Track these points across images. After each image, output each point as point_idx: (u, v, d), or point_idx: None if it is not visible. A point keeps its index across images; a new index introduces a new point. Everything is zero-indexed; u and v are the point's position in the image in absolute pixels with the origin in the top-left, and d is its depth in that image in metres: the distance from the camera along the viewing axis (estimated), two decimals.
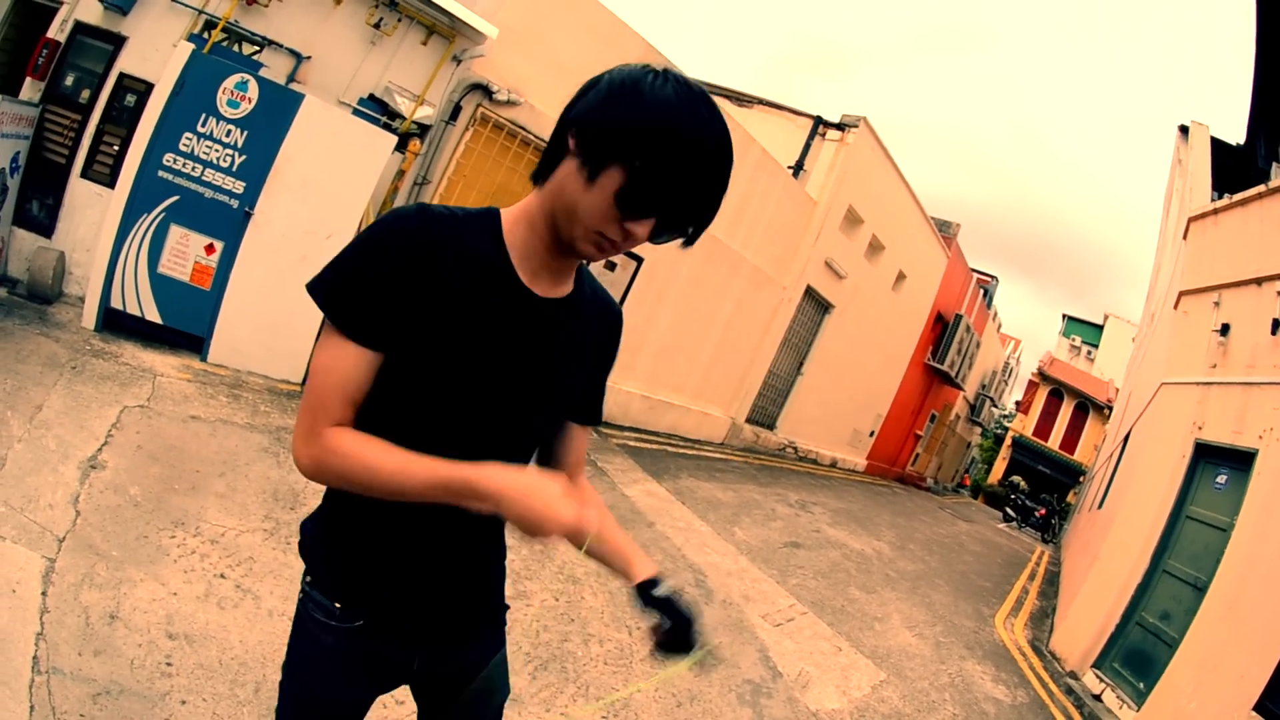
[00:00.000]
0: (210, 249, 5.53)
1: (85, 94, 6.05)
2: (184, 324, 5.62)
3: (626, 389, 9.02)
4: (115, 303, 5.45)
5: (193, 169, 5.41)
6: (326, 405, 1.07)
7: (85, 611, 2.86)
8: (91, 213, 5.97)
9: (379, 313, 1.06)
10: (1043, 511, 20.61)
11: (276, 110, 5.56)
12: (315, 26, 6.45)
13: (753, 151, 9.56)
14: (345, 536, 1.29)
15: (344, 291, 1.08)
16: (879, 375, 15.74)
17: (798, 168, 11.59)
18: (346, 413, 1.08)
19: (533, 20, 7.37)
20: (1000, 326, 25.99)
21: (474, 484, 1.01)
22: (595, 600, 4.23)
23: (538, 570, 4.33)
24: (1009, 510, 22.52)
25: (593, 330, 1.32)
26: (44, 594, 2.86)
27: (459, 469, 1.02)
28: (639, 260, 8.73)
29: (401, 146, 6.69)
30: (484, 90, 7.21)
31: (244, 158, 5.51)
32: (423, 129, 6.92)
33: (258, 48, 6.17)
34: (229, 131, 5.46)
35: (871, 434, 16.65)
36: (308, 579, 1.33)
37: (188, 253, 5.53)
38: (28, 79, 6.14)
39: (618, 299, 8.40)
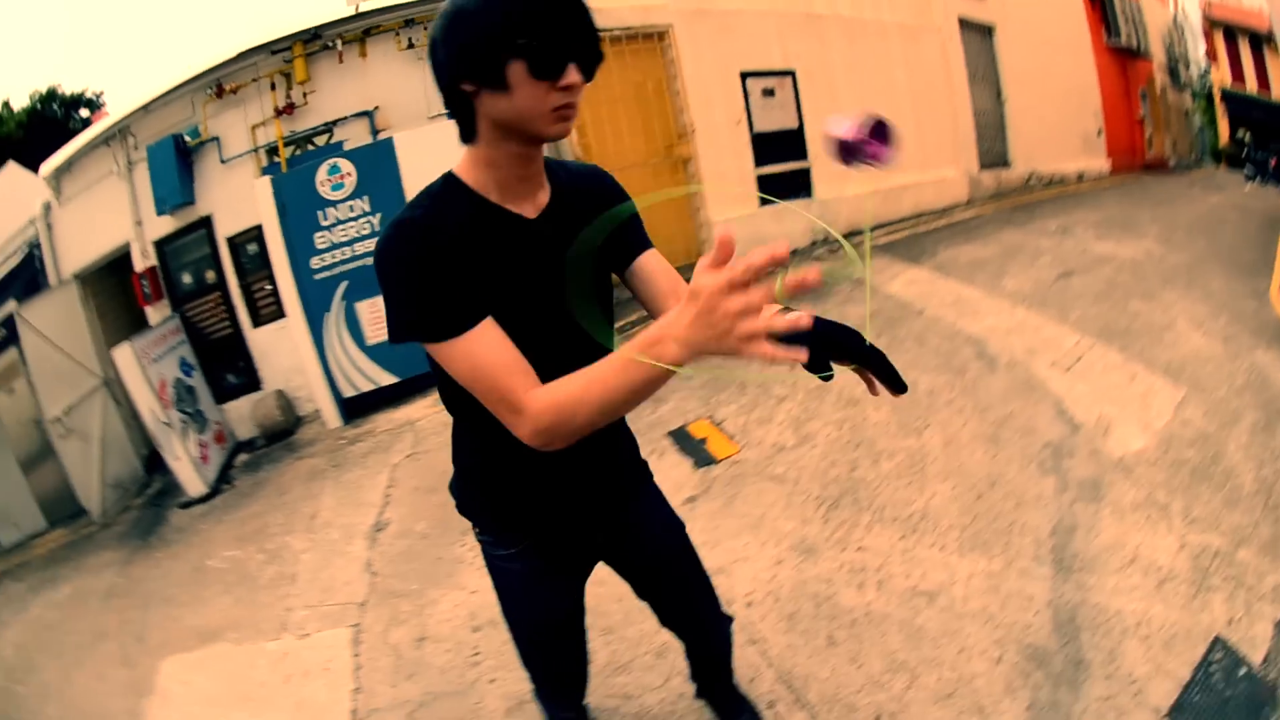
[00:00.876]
0: None
1: (210, 275, 7.28)
2: (418, 368, 6.30)
3: (850, 193, 9.03)
4: (347, 392, 6.35)
5: (341, 253, 6.20)
6: (506, 386, 1.18)
7: (394, 649, 3.35)
8: (282, 346, 6.97)
9: (460, 299, 1.20)
10: (1275, 161, 19.60)
11: (377, 164, 6.24)
12: (360, 84, 7.18)
13: None
14: (491, 482, 1.59)
15: (426, 314, 1.21)
16: (1073, 73, 15.20)
17: None
18: (525, 378, 1.18)
19: None
20: None
21: (670, 347, 0.96)
22: (879, 414, 4.29)
23: (817, 408, 4.51)
24: (1248, 168, 21.17)
25: (587, 206, 1.42)
26: (356, 655, 3.39)
27: (625, 352, 1.05)
28: (791, 74, 8.76)
29: None
30: None
31: (379, 214, 6.25)
32: None
33: (327, 134, 6.92)
34: (351, 207, 6.21)
35: (1099, 132, 16.25)
36: (476, 530, 1.68)
37: (382, 314, 6.69)
38: (146, 309, 7.62)
39: (793, 120, 8.70)
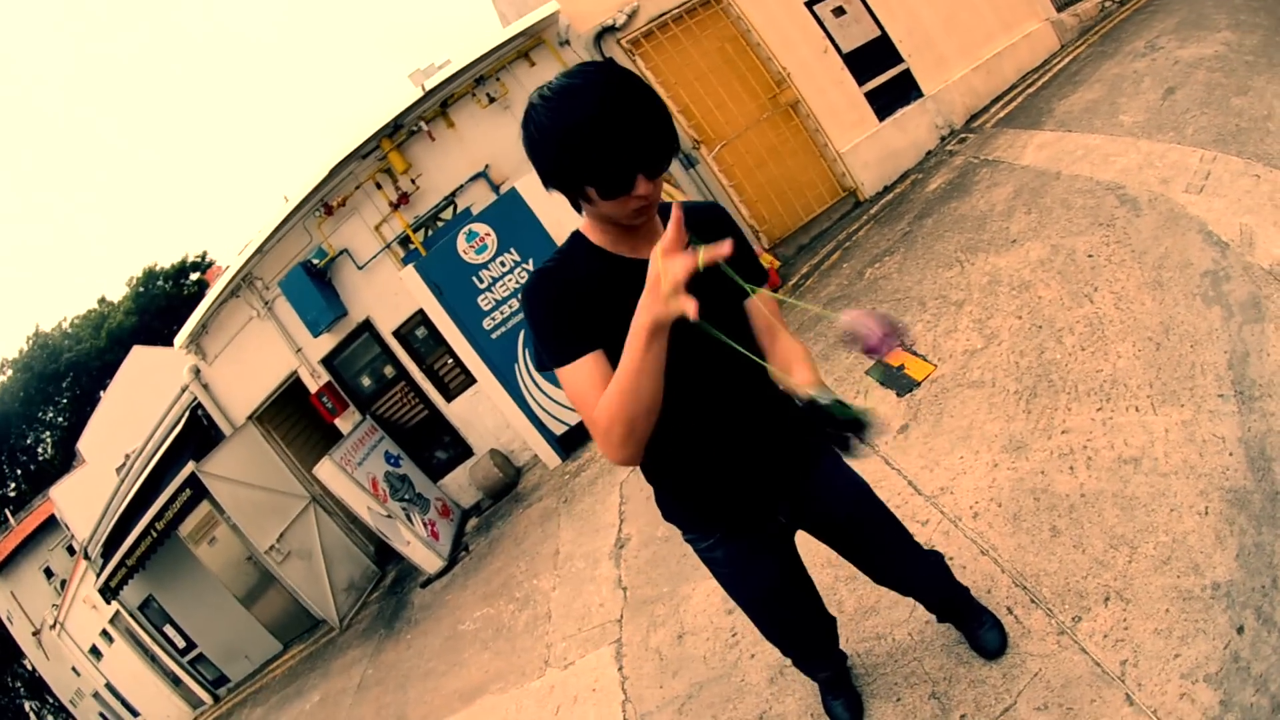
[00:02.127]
0: None
1: (388, 370, 8.55)
2: None
3: (955, 77, 9.50)
4: (557, 430, 7.39)
5: (509, 306, 7.25)
6: (589, 403, 1.67)
7: (656, 651, 3.98)
8: (481, 409, 8.21)
9: (569, 334, 1.69)
10: None
11: (510, 215, 7.24)
12: (461, 151, 8.28)
13: None
14: (673, 485, 2.07)
15: (549, 343, 1.73)
16: None
17: None
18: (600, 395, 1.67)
19: None
20: None
21: (633, 334, 1.52)
22: (1049, 291, 4.73)
23: (993, 303, 5.00)
24: None
25: (702, 238, 1.64)
26: (620, 669, 4.07)
27: (630, 341, 1.54)
28: None
29: None
30: (608, 31, 8.54)
31: (531, 259, 7.23)
32: None
33: (450, 206, 7.98)
34: (501, 263, 7.23)
35: None
36: (682, 533, 2.20)
37: None
38: (335, 422, 8.87)
39: (873, 27, 9.20)
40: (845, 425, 1.67)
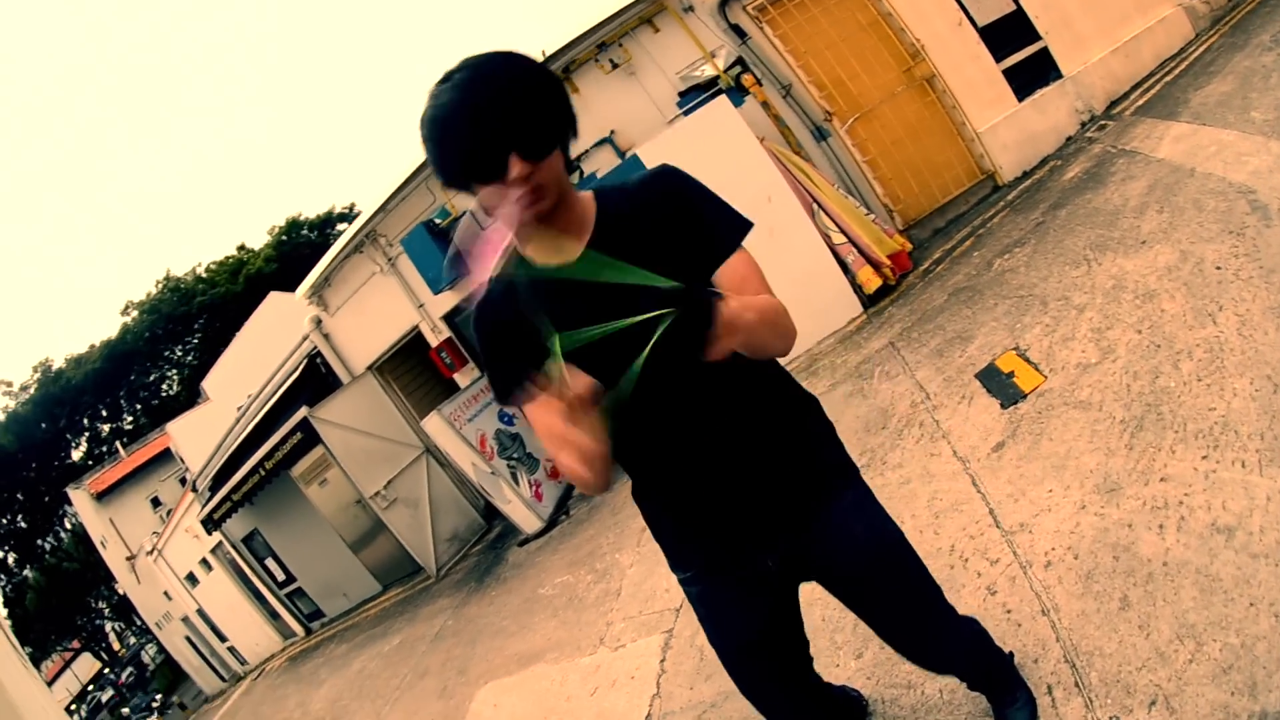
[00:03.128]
0: None
1: None
2: None
3: (1097, 57, 9.33)
4: None
5: None
6: (553, 442, 1.69)
7: (700, 650, 4.16)
8: None
9: (515, 371, 1.69)
10: None
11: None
12: (585, 116, 8.34)
13: None
14: (655, 520, 2.01)
15: (495, 383, 1.84)
16: None
17: None
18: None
19: None
20: None
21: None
22: (1173, 304, 4.57)
23: (1115, 312, 4.88)
24: None
25: (640, 230, 1.72)
26: (662, 661, 4.26)
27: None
28: None
29: (742, 91, 8.42)
30: None
31: None
32: (741, 64, 8.61)
33: (577, 171, 8.18)
34: None
35: None
36: (666, 560, 2.07)
37: None
38: (454, 377, 9.50)
39: (1007, 2, 8.95)
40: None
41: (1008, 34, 9.21)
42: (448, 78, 1.52)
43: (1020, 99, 9.04)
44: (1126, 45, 9.62)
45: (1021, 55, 9.21)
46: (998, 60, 9.09)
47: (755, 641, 2.03)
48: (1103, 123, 8.85)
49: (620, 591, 5.62)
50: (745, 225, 1.84)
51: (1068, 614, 3.01)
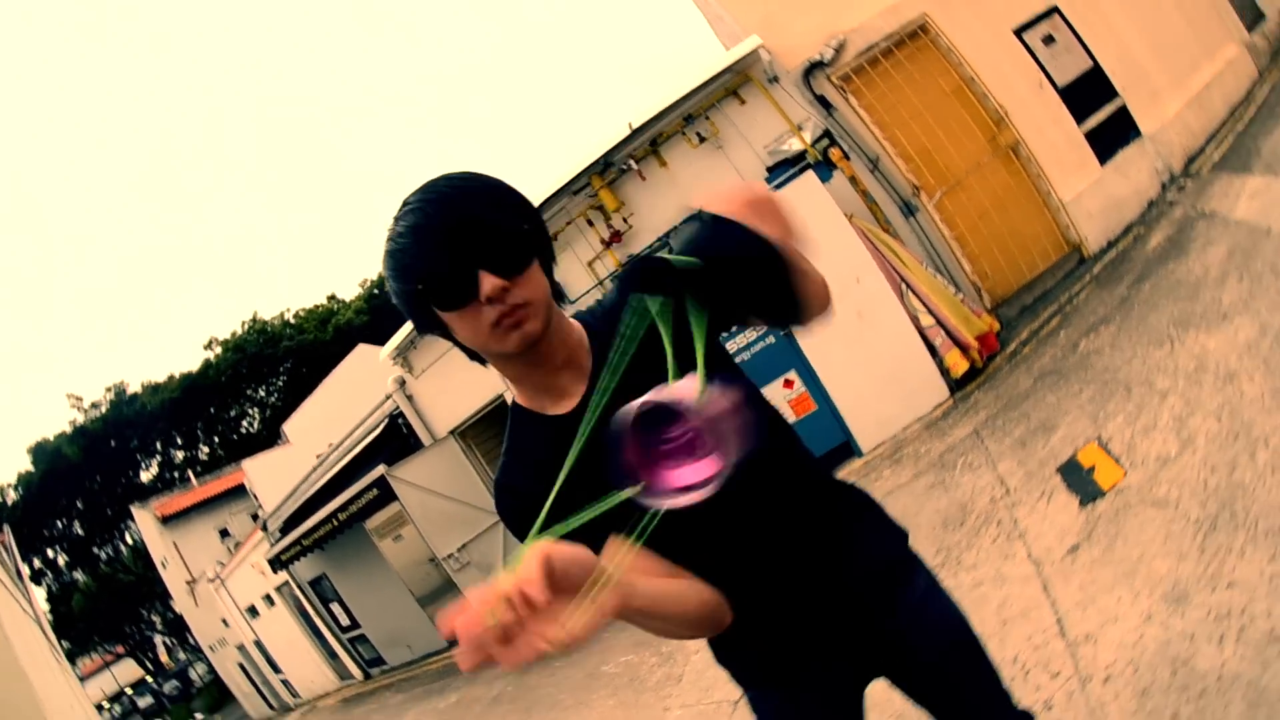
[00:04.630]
0: (788, 384, 7.98)
1: None
2: (826, 445, 7.99)
3: (1171, 110, 9.47)
4: None
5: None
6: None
7: None
8: None
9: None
10: None
11: None
12: (675, 190, 9.07)
13: None
14: (712, 643, 1.84)
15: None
16: None
17: None
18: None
19: None
20: None
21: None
22: (1252, 386, 4.62)
23: (1197, 396, 4.95)
24: None
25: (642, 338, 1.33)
26: None
27: None
28: (1056, 10, 9.29)
29: (829, 165, 8.62)
30: (817, 67, 8.91)
31: None
32: (829, 136, 8.83)
33: (665, 247, 8.97)
34: None
35: None
36: (732, 677, 1.92)
37: (794, 389, 8.01)
38: None
39: (1085, 59, 9.18)
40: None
41: (1087, 93, 9.35)
42: (404, 204, 1.43)
43: (1102, 162, 9.18)
44: (1199, 95, 9.75)
45: (1102, 115, 9.36)
46: (1078, 122, 9.23)
47: None
48: (1182, 182, 8.98)
49: (682, 678, 5.74)
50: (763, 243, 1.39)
51: None
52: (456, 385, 11.11)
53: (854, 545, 1.75)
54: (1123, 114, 9.44)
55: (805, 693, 1.79)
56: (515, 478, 1.63)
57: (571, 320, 1.64)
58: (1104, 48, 9.46)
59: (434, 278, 1.39)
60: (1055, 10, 9.40)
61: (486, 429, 11.88)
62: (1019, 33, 9.25)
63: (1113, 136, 9.30)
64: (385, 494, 11.15)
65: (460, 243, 1.36)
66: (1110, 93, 9.42)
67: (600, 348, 1.57)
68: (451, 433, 11.69)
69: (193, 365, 42.09)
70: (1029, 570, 4.53)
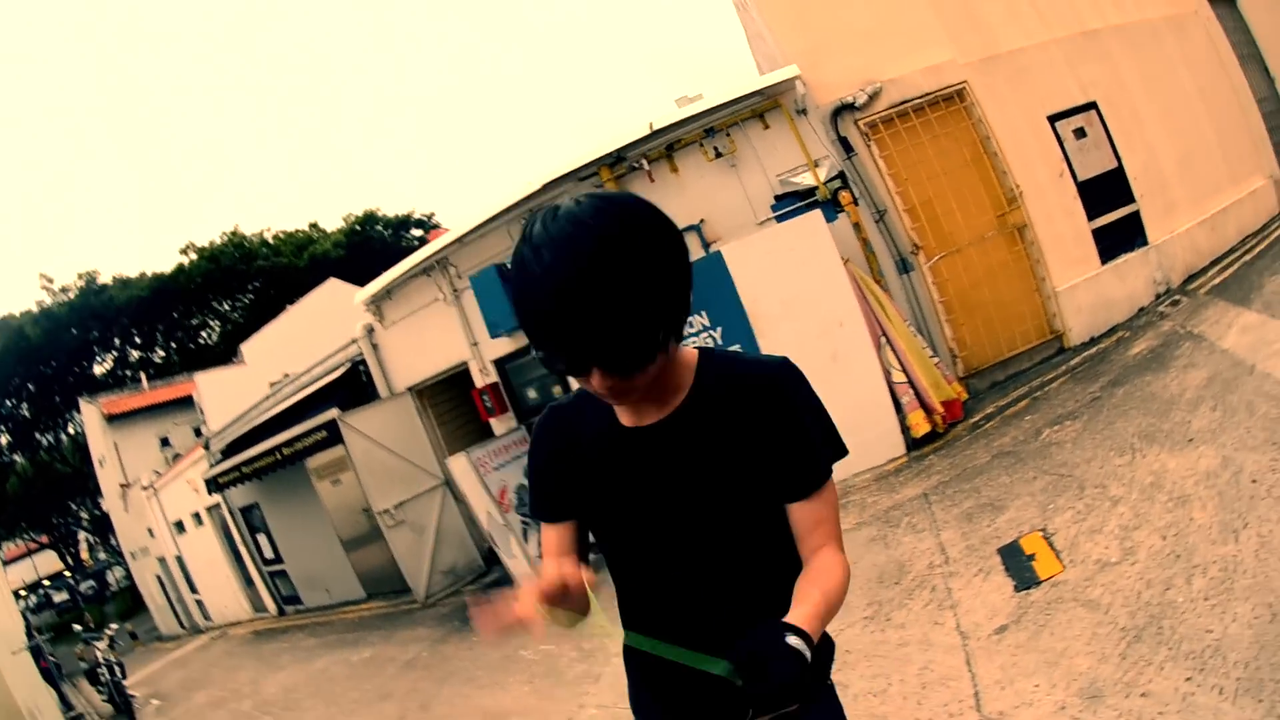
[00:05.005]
0: None
1: (557, 391, 9.01)
2: None
3: (1184, 228, 9.56)
4: None
5: None
6: (544, 565, 1.69)
7: None
8: None
9: (548, 496, 1.78)
10: None
11: (711, 277, 7.57)
12: (679, 199, 8.80)
13: None
14: (627, 657, 1.88)
15: (531, 494, 1.86)
16: None
17: None
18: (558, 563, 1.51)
19: (804, 14, 9.26)
20: None
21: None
22: (1203, 514, 4.67)
23: (1147, 512, 4.98)
24: None
25: (726, 421, 1.63)
26: None
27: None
28: (1093, 105, 9.45)
29: (837, 206, 8.66)
30: (847, 108, 8.94)
31: (720, 328, 7.70)
32: (842, 178, 8.83)
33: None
34: (690, 322, 7.56)
35: None
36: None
37: None
38: (490, 421, 9.63)
39: (1110, 158, 9.19)
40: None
41: (1105, 192, 9.44)
42: (535, 244, 1.36)
43: (1103, 261, 9.25)
44: (1214, 217, 9.88)
45: (1114, 216, 9.44)
46: (1091, 218, 9.31)
47: None
48: (1177, 297, 9.04)
49: (600, 678, 5.71)
50: (842, 451, 1.75)
51: None
52: (424, 344, 11.09)
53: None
54: (1134, 219, 9.54)
55: None
56: (567, 432, 1.77)
57: (685, 352, 1.71)
58: (1132, 152, 9.56)
59: (551, 359, 1.45)
60: (1094, 106, 9.49)
61: (445, 393, 11.83)
62: (1053, 120, 9.32)
63: (1119, 238, 9.39)
64: (333, 437, 11.03)
65: (581, 342, 1.38)
66: (1127, 197, 9.51)
67: (701, 395, 1.66)
68: (410, 390, 11.60)
69: (166, 267, 41.43)
70: (955, 641, 4.57)
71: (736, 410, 1.63)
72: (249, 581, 17.75)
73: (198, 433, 21.61)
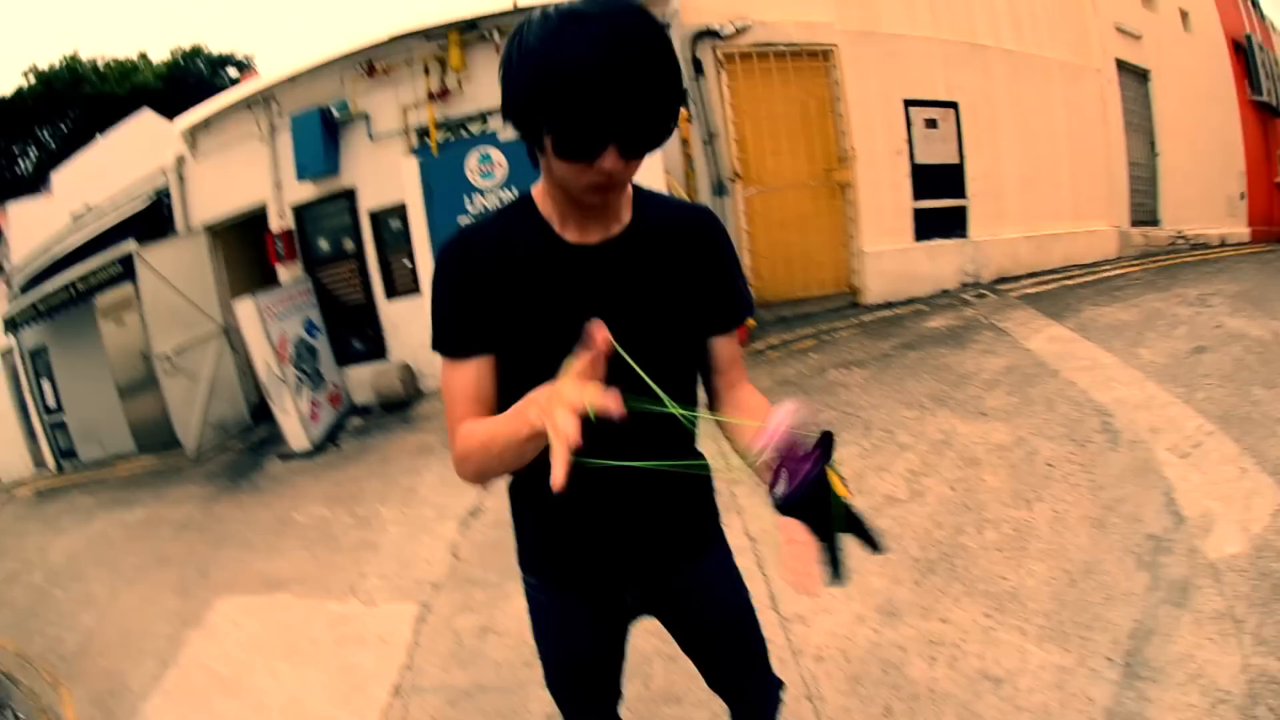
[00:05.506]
0: None
1: (348, 244, 8.23)
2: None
3: (1008, 236, 9.51)
4: None
5: None
6: (452, 412, 1.48)
7: (457, 634, 3.78)
8: (415, 321, 7.89)
9: (460, 328, 1.48)
10: None
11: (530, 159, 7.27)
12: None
13: None
14: (522, 520, 1.79)
15: (438, 328, 1.52)
16: (1220, 129, 15.64)
17: None
18: (474, 412, 1.46)
19: None
20: None
21: (519, 414, 1.27)
22: (995, 479, 4.56)
23: (935, 463, 4.83)
24: None
25: (667, 252, 1.54)
26: (416, 632, 3.86)
27: (513, 411, 1.30)
28: (954, 105, 9.26)
29: None
30: (711, 34, 8.31)
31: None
32: (684, 96, 7.90)
33: (481, 122, 7.64)
34: (499, 197, 6.91)
35: (1242, 195, 16.52)
36: (517, 552, 1.86)
37: None
38: (278, 267, 8.57)
39: (954, 154, 9.11)
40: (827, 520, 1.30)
41: (938, 181, 9.23)
42: (581, 11, 1.20)
43: (918, 239, 9.04)
44: (1043, 238, 9.85)
45: (940, 204, 9.19)
46: (917, 198, 9.06)
47: (587, 660, 1.96)
48: (984, 292, 8.84)
49: (379, 545, 5.19)
50: (752, 304, 1.75)
51: (832, 706, 3.03)
52: (230, 181, 9.82)
53: (689, 504, 1.78)
54: (960, 212, 9.35)
55: (583, 601, 1.81)
56: (482, 252, 1.51)
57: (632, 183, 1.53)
58: (977, 156, 9.43)
59: (566, 130, 1.24)
60: (954, 106, 9.31)
61: (242, 239, 10.56)
62: (909, 104, 9.06)
63: (941, 224, 9.17)
64: (128, 272, 9.68)
65: (614, 109, 1.21)
66: (960, 192, 9.34)
67: (640, 222, 1.55)
68: (206, 228, 10.22)
69: (6, 89, 37.06)
70: (745, 543, 4.26)
71: (675, 243, 1.57)
72: (31, 433, 15.93)
73: (1, 269, 19.25)
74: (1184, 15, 14.39)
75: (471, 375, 1.50)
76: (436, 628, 3.98)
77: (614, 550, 1.71)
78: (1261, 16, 20.41)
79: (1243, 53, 17.20)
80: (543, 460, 1.32)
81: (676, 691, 3.17)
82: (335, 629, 4.24)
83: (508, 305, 1.47)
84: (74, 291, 10.62)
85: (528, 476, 1.67)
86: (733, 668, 2.05)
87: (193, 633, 4.49)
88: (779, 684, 2.21)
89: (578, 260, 1.49)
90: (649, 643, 3.32)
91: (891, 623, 3.45)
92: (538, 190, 1.52)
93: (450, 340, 1.52)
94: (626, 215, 1.54)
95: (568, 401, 1.11)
